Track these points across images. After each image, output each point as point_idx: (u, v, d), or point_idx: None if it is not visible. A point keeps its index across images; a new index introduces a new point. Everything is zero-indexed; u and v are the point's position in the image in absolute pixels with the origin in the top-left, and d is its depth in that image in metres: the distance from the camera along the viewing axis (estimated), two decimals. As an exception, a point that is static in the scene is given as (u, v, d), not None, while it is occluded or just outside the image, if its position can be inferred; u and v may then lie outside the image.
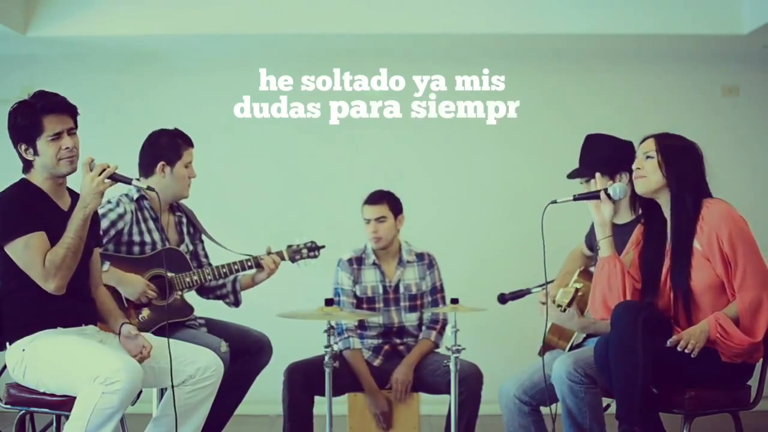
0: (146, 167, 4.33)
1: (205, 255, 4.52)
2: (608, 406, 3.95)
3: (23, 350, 3.47)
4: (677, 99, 6.33)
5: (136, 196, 4.28)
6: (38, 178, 3.57)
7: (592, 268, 3.98)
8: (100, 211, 4.05)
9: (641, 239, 3.67)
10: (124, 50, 6.13)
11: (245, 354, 4.32)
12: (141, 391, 3.61)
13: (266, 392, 4.66)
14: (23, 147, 3.53)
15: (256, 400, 4.70)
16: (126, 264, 4.17)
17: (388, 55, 6.18)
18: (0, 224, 3.47)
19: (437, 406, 4.96)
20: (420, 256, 4.79)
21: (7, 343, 3.54)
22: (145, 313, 4.16)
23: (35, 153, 3.52)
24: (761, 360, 3.56)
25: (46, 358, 3.44)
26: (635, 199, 3.72)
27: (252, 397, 4.46)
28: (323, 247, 4.63)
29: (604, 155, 3.97)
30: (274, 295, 4.98)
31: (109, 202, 4.20)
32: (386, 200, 4.72)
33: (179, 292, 4.26)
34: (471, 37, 5.86)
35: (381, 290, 4.72)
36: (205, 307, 4.53)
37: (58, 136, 3.50)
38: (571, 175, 4.08)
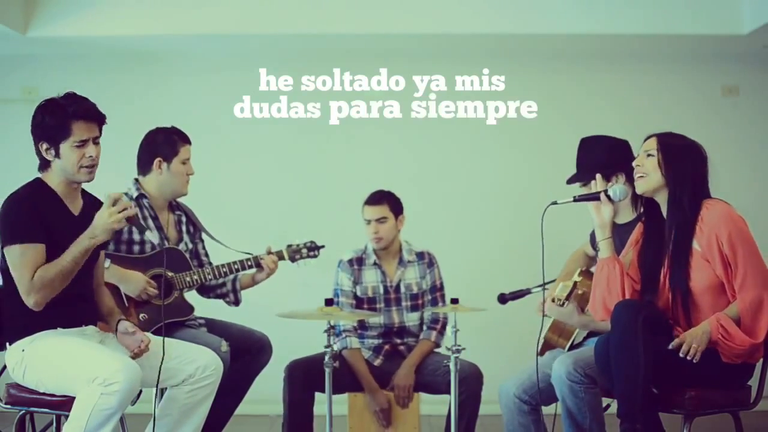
0: (144, 164, 4.34)
1: (206, 253, 4.52)
2: (608, 406, 3.95)
3: (23, 350, 3.47)
4: (677, 99, 6.32)
5: (135, 194, 4.28)
6: (54, 179, 3.53)
7: (593, 269, 3.98)
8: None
9: (640, 238, 3.66)
10: (124, 50, 6.13)
11: (246, 354, 4.32)
12: (141, 391, 3.61)
13: (266, 392, 4.66)
14: (45, 146, 3.47)
15: (256, 400, 4.70)
16: (127, 263, 4.17)
17: (388, 55, 6.18)
18: (6, 225, 3.45)
19: (437, 406, 4.96)
20: (420, 255, 4.79)
21: (7, 344, 3.54)
22: (146, 312, 4.16)
23: (56, 155, 3.46)
24: (761, 360, 3.56)
25: (45, 358, 3.43)
26: (637, 198, 3.71)
27: (252, 397, 4.46)
28: (323, 246, 4.63)
29: (601, 157, 3.95)
30: (274, 295, 4.99)
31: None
32: (387, 201, 4.71)
33: (178, 292, 4.26)
34: (471, 37, 5.86)
35: (382, 290, 4.72)
36: (205, 307, 4.53)
37: (83, 143, 3.45)
38: (570, 181, 4.06)
